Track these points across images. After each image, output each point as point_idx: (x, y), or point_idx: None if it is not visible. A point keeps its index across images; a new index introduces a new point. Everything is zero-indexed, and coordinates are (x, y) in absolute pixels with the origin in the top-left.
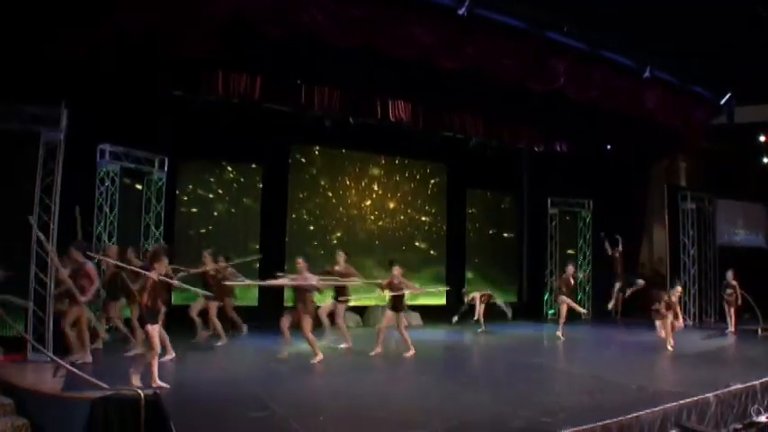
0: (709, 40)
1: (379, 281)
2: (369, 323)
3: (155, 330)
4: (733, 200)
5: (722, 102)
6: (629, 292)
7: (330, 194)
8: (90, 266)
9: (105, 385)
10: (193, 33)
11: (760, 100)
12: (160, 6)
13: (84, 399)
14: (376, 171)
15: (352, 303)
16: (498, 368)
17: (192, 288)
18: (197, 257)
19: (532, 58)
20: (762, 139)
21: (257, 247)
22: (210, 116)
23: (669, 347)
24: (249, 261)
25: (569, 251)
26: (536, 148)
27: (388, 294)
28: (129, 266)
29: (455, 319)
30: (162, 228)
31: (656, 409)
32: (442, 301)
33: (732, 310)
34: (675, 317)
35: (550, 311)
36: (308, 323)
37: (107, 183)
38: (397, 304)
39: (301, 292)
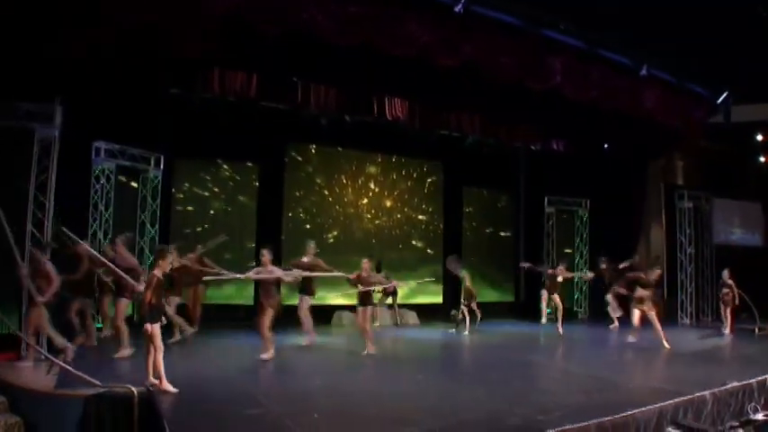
0: (707, 39)
1: (348, 274)
2: None
3: (157, 329)
4: (730, 199)
5: (719, 101)
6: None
7: (326, 193)
8: (49, 267)
9: (98, 383)
10: (192, 32)
11: (757, 99)
12: (159, 5)
13: (78, 396)
14: (372, 169)
15: (348, 303)
16: (494, 366)
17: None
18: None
19: (529, 56)
20: (759, 138)
21: (252, 245)
22: (207, 114)
23: (665, 345)
24: (218, 243)
25: (566, 250)
26: (533, 147)
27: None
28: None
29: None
30: (157, 226)
31: (652, 407)
32: (439, 299)
33: (729, 309)
34: (652, 305)
35: (548, 310)
36: (268, 317)
37: (102, 180)
38: (365, 300)
39: (265, 286)
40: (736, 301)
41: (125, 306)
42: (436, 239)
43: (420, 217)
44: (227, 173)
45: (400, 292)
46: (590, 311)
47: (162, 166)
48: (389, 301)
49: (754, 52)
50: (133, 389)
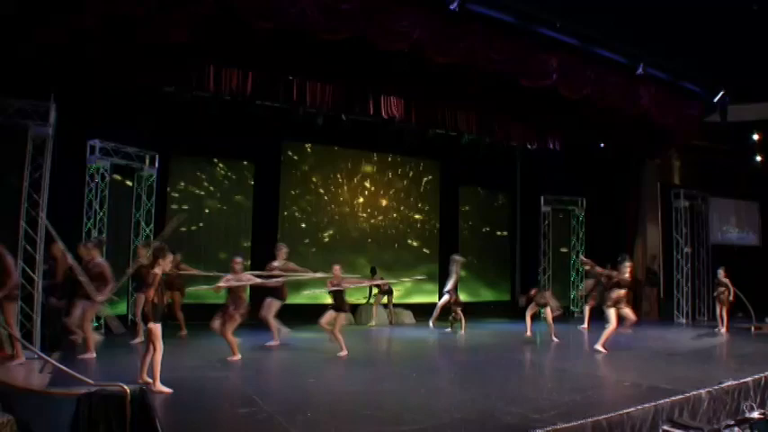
0: (703, 37)
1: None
2: (360, 322)
3: (158, 328)
4: (726, 198)
5: (715, 100)
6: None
7: (322, 191)
8: (9, 260)
9: (91, 381)
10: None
11: (753, 98)
12: None
13: (70, 395)
14: (368, 168)
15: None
16: (490, 366)
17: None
18: (188, 255)
19: (525, 54)
20: (755, 137)
21: (248, 244)
22: (202, 112)
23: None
24: (176, 226)
25: (562, 249)
26: (529, 146)
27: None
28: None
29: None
30: (152, 225)
31: (648, 405)
32: (435, 299)
33: (725, 309)
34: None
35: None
36: (232, 325)
37: (97, 179)
38: (338, 304)
39: (234, 294)
40: (732, 299)
41: (93, 311)
42: (432, 239)
43: (416, 216)
44: (223, 171)
45: (396, 292)
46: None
47: (157, 165)
48: (384, 300)
49: (749, 51)
50: (126, 387)
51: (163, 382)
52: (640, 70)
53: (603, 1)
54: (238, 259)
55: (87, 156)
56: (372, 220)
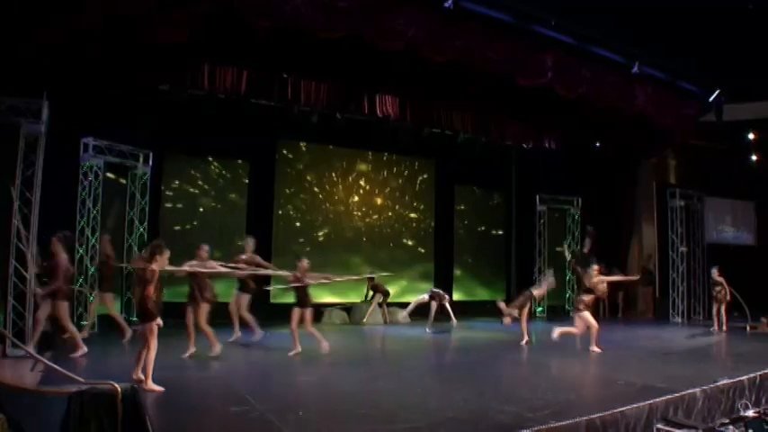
0: (699, 36)
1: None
2: (355, 320)
3: (155, 327)
4: (722, 198)
5: (711, 99)
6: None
7: (317, 190)
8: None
9: (82, 379)
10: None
11: (749, 97)
12: None
13: (61, 393)
14: (363, 167)
15: (338, 301)
16: (484, 365)
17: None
18: (183, 254)
19: (520, 52)
20: (751, 136)
21: (242, 243)
22: (196, 111)
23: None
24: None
25: (558, 249)
26: (525, 145)
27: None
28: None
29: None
30: (146, 223)
31: (643, 403)
32: None
33: (723, 307)
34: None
35: (539, 309)
36: (203, 312)
37: (90, 177)
38: (301, 300)
39: (200, 280)
40: (728, 298)
41: (65, 308)
42: (427, 238)
43: (411, 215)
44: (217, 170)
45: (391, 291)
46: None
47: (151, 163)
48: (379, 299)
49: (746, 50)
50: (117, 386)
51: (154, 381)
52: (636, 69)
53: (599, 0)
54: (205, 246)
55: (81, 154)
56: (367, 219)
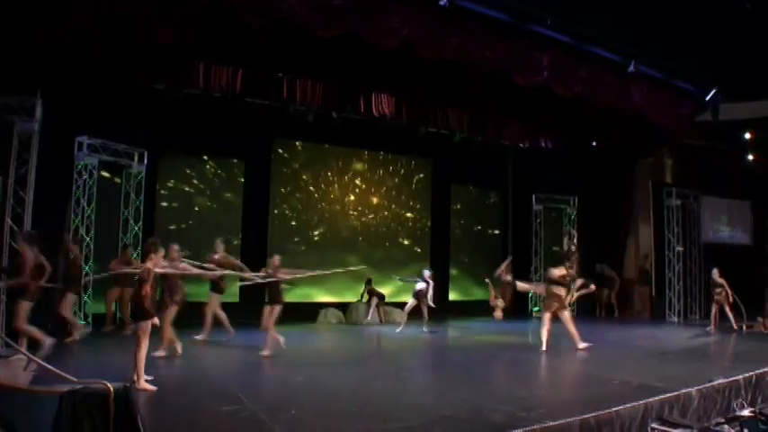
0: (696, 36)
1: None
2: (351, 320)
3: (148, 326)
4: (718, 197)
5: (707, 98)
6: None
7: (312, 189)
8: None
9: (74, 379)
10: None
11: (745, 97)
12: None
13: (53, 393)
14: (359, 166)
15: (334, 300)
16: (480, 364)
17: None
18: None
19: (516, 51)
20: (747, 136)
21: (238, 242)
22: (191, 110)
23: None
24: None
25: (554, 248)
26: (521, 145)
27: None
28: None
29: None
30: (141, 222)
31: (637, 403)
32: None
33: (727, 307)
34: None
35: (535, 309)
36: (171, 314)
37: (85, 176)
38: (272, 297)
39: (171, 282)
40: (730, 299)
41: (26, 308)
42: (423, 237)
43: (407, 214)
44: (213, 169)
45: (387, 291)
46: (576, 309)
47: (146, 162)
48: (375, 303)
49: (742, 50)
50: (109, 385)
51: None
52: (632, 68)
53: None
54: (176, 246)
55: (75, 152)
56: (363, 219)
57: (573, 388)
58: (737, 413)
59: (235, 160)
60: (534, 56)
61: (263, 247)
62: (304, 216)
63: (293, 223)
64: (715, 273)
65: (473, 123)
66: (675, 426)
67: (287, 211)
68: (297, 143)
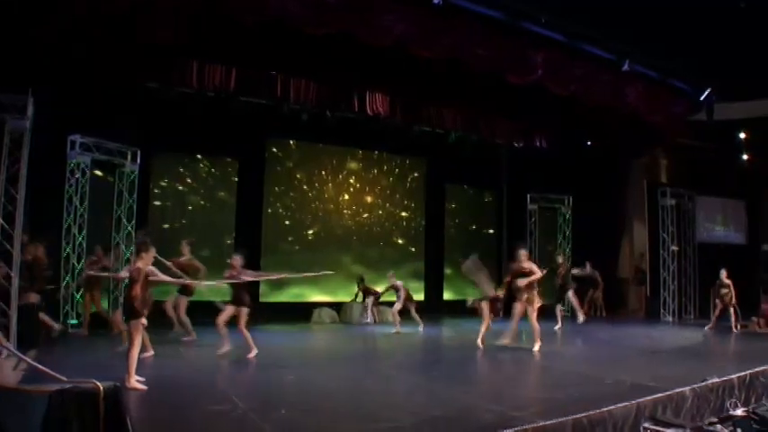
0: (690, 35)
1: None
2: (345, 319)
3: (141, 324)
4: (713, 197)
5: (702, 98)
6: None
7: (306, 188)
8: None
9: (64, 378)
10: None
11: (740, 97)
12: None
13: (42, 392)
14: (353, 165)
15: (328, 300)
16: (472, 363)
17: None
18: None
19: (510, 49)
20: (742, 135)
21: (231, 242)
22: (185, 108)
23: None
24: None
25: (549, 248)
26: (516, 144)
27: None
28: None
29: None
30: (134, 221)
31: (630, 402)
32: (420, 296)
33: (731, 308)
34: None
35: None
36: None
37: (77, 174)
38: (236, 297)
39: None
40: (733, 301)
41: None
42: (418, 236)
43: (402, 213)
44: (206, 168)
45: (381, 290)
46: (570, 308)
47: (139, 161)
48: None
49: (737, 49)
50: (99, 384)
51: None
52: (627, 67)
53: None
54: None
55: (68, 151)
56: (357, 218)
57: (565, 387)
58: (731, 413)
59: (228, 159)
60: (528, 54)
61: (257, 246)
62: (298, 215)
63: (287, 222)
64: (723, 273)
65: (468, 122)
66: (668, 425)
67: (281, 211)
68: (291, 142)
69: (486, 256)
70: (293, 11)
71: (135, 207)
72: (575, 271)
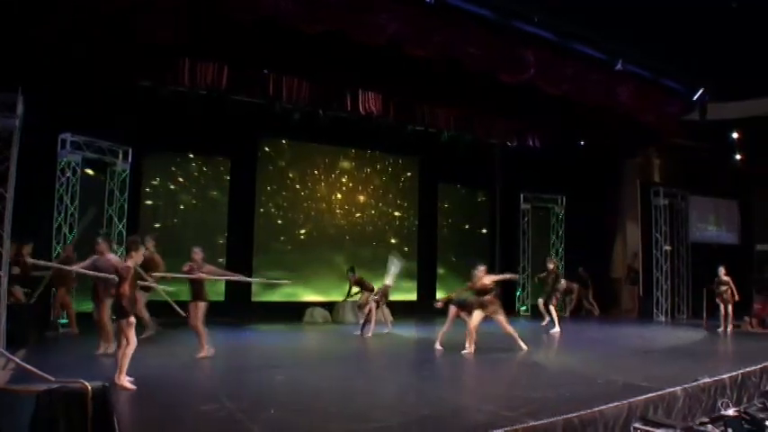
0: (683, 35)
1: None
2: (337, 319)
3: (132, 323)
4: (705, 196)
5: (695, 98)
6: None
7: (299, 188)
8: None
9: (52, 378)
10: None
11: (733, 96)
12: None
13: (30, 392)
14: (346, 164)
15: (320, 299)
16: (465, 363)
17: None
18: (162, 251)
19: (502, 48)
20: (735, 135)
21: (223, 241)
22: (177, 107)
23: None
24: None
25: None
26: (509, 144)
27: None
28: None
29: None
30: (125, 220)
31: (622, 402)
32: (413, 297)
33: (730, 307)
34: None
35: (522, 307)
36: (106, 309)
37: (68, 173)
38: (196, 294)
39: (98, 277)
40: (736, 298)
41: None
42: (411, 236)
43: (395, 213)
44: (198, 167)
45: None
46: (566, 309)
47: (130, 160)
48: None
49: (730, 49)
50: (87, 384)
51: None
52: (619, 66)
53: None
54: (102, 239)
55: (58, 150)
56: (350, 217)
57: (557, 387)
58: (722, 413)
59: (220, 158)
60: (520, 53)
61: (249, 245)
62: (290, 214)
63: (279, 222)
64: (721, 271)
65: (461, 122)
66: (658, 425)
67: (273, 210)
68: (283, 141)
69: (480, 256)
70: (286, 9)
71: (126, 206)
72: (563, 282)
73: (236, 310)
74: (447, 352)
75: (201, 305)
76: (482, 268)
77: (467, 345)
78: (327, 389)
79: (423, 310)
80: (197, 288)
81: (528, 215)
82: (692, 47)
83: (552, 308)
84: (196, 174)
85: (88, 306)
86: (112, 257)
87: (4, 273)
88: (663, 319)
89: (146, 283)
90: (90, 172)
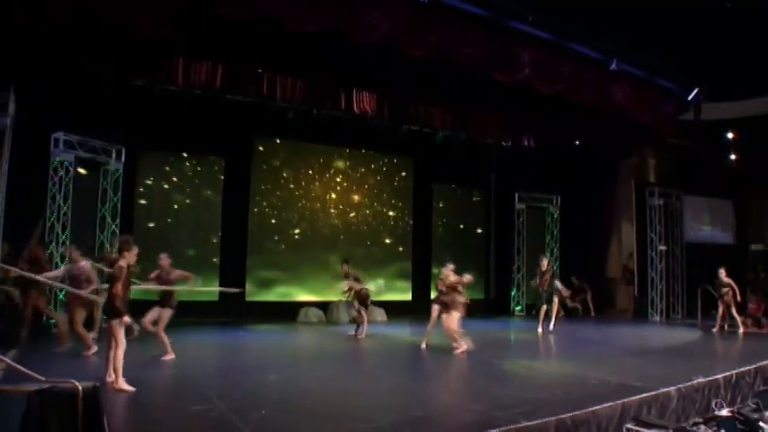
0: (678, 35)
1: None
2: (331, 319)
3: (118, 325)
4: (700, 196)
5: (690, 98)
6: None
7: (293, 187)
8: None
9: (43, 378)
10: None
11: (728, 97)
12: None
13: (21, 392)
14: (340, 164)
15: (315, 299)
16: (458, 363)
17: None
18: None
19: (497, 48)
20: (729, 135)
21: (217, 240)
22: (171, 106)
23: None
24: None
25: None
26: (504, 143)
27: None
28: None
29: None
30: (119, 220)
31: (615, 403)
32: (408, 296)
33: (733, 308)
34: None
35: (518, 307)
36: (79, 315)
37: (61, 173)
38: (163, 298)
39: (75, 283)
40: (738, 298)
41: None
42: (405, 236)
43: (389, 213)
44: (192, 166)
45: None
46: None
47: (124, 159)
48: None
49: (724, 49)
50: (78, 384)
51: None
52: (614, 66)
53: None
54: (74, 247)
55: (51, 149)
56: (344, 217)
57: (550, 387)
58: (716, 413)
59: (214, 157)
60: (515, 53)
61: (243, 245)
62: (284, 214)
63: (273, 221)
64: (722, 272)
65: (455, 121)
66: (651, 426)
67: (267, 209)
68: (277, 140)
69: (475, 255)
70: (281, 8)
71: (119, 206)
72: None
73: (231, 310)
74: (440, 353)
75: (168, 312)
76: (450, 267)
77: (454, 345)
78: (319, 389)
79: (417, 310)
80: (166, 294)
81: (523, 215)
82: (687, 47)
83: (554, 308)
84: (190, 173)
85: None
86: (85, 265)
87: None
88: (658, 318)
89: (81, 293)
90: (83, 171)
